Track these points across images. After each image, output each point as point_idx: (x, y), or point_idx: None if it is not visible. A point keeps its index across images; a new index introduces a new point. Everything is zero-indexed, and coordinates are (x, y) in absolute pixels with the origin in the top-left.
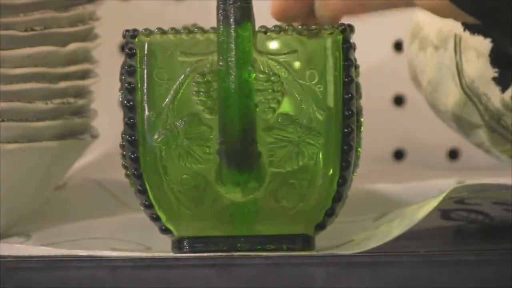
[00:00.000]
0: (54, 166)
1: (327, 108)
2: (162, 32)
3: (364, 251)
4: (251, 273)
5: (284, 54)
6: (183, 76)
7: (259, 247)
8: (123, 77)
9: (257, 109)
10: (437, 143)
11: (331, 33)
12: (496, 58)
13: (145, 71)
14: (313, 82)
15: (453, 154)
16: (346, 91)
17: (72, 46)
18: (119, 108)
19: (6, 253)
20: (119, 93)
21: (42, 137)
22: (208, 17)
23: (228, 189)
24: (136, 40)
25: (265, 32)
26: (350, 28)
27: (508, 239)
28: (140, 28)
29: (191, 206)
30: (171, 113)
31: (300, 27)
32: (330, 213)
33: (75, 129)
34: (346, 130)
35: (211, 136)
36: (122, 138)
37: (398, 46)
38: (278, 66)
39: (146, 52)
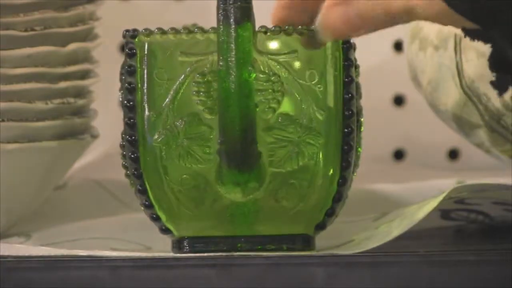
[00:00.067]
0: (54, 166)
1: (327, 108)
2: (162, 32)
3: (364, 251)
4: (251, 273)
5: (284, 54)
6: (183, 76)
7: (259, 247)
8: (123, 77)
9: (257, 109)
10: (437, 143)
11: None
12: (495, 62)
13: (145, 71)
14: (313, 82)
15: (453, 154)
16: (346, 91)
17: (72, 46)
18: (119, 108)
19: (6, 253)
20: (119, 93)
21: (42, 137)
22: (208, 17)
23: (228, 189)
24: (136, 40)
25: (265, 32)
26: None
27: (508, 239)
28: (140, 28)
29: (191, 206)
30: (171, 113)
31: (300, 27)
32: (330, 213)
33: (75, 129)
34: (346, 130)
35: (211, 136)
36: (122, 138)
37: (398, 46)
38: (278, 66)
39: (146, 52)
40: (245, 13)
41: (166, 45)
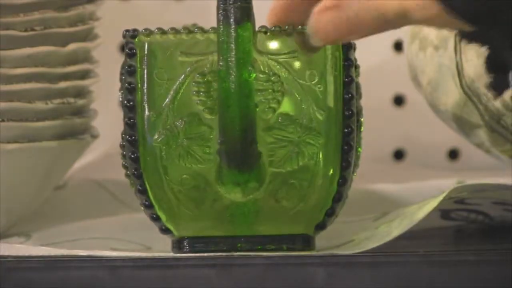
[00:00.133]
0: (54, 166)
1: (327, 108)
2: (162, 32)
3: (364, 251)
4: (251, 273)
5: (284, 54)
6: (183, 76)
7: (259, 247)
8: (123, 77)
9: (257, 109)
10: (437, 143)
11: None
12: (492, 64)
13: (145, 71)
14: (313, 82)
15: (453, 154)
16: (346, 91)
17: (72, 46)
18: (119, 108)
19: (6, 253)
20: (119, 93)
21: (42, 137)
22: (208, 17)
23: (228, 189)
24: (136, 40)
25: (265, 32)
26: None
27: (508, 239)
28: (140, 28)
29: (191, 206)
30: (171, 113)
31: (300, 27)
32: (330, 213)
33: (75, 129)
34: (346, 130)
35: (211, 136)
36: (122, 138)
37: (398, 46)
38: (278, 66)
39: (146, 52)
40: (245, 13)
41: (166, 45)
